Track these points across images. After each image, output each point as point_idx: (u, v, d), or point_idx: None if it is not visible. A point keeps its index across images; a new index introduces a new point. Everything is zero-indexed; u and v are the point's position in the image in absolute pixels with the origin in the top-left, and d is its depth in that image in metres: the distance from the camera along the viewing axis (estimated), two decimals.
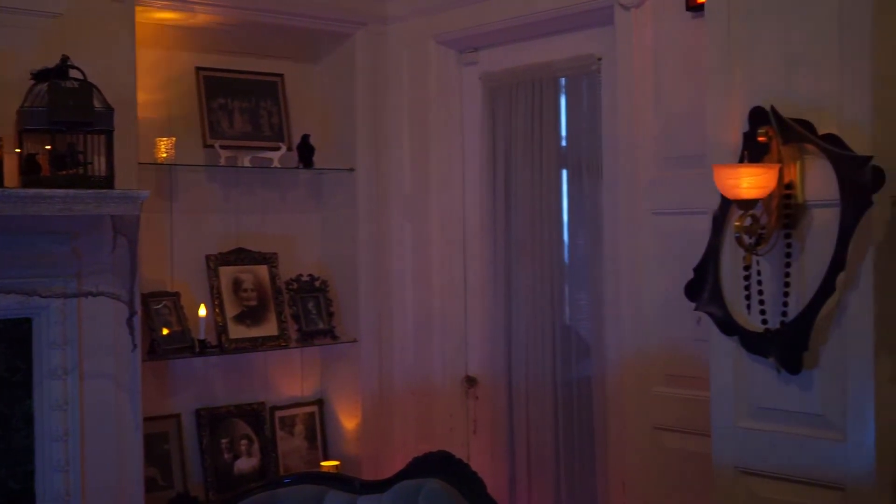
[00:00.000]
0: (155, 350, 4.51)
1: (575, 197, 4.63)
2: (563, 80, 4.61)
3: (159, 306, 4.59)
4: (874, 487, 2.94)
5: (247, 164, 4.84)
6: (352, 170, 5.06)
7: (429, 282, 4.98)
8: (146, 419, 4.29)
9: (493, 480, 4.71)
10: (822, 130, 2.99)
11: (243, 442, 4.87)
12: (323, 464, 4.90)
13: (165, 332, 4.55)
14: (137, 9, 4.25)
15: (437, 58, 4.91)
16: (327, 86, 5.21)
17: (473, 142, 4.92)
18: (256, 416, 4.95)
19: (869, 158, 2.87)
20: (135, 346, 4.08)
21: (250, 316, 4.88)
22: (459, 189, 4.96)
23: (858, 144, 2.91)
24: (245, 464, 4.86)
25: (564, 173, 4.67)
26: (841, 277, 2.94)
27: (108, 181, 3.88)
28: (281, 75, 5.10)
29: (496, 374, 4.84)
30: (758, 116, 3.11)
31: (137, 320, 4.07)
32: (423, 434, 4.91)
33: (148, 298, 4.52)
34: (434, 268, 4.96)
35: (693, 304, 3.35)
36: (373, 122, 5.08)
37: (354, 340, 5.08)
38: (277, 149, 4.91)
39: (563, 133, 4.67)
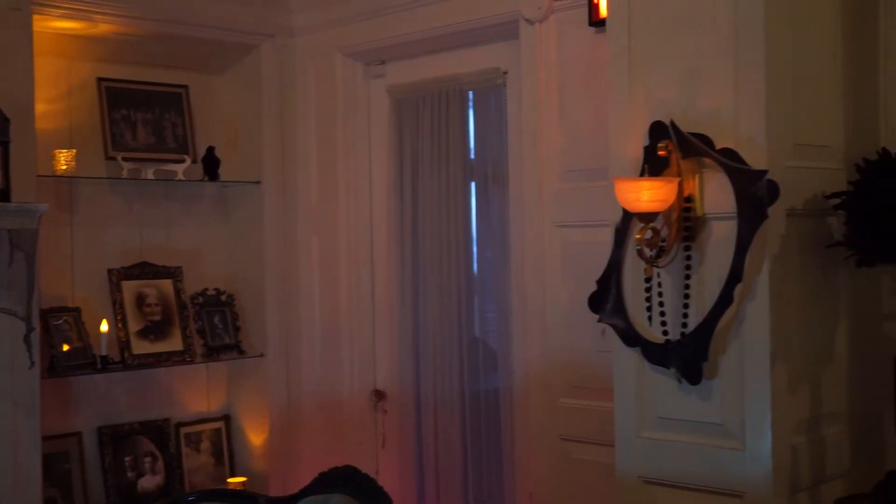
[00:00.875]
0: (55, 367, 4.40)
1: (483, 209, 4.65)
2: (470, 94, 4.63)
3: (59, 322, 4.48)
4: (771, 493, 3.00)
5: (150, 176, 4.76)
6: (258, 182, 5.02)
7: (336, 295, 4.95)
8: (46, 438, 4.16)
9: (402, 494, 4.73)
10: (719, 145, 3.05)
11: (147, 459, 4.78)
12: (230, 480, 4.82)
13: (66, 348, 4.44)
14: (35, 17, 4.16)
15: (344, 70, 4.89)
16: (233, 97, 5.16)
17: (381, 154, 4.91)
18: (161, 432, 4.86)
19: (764, 172, 2.93)
20: (32, 363, 3.96)
21: (154, 331, 4.80)
22: (367, 202, 4.94)
23: (754, 158, 2.98)
24: (149, 482, 4.76)
25: (473, 186, 4.69)
26: (738, 289, 2.99)
27: (3, 194, 3.78)
28: (185, 87, 5.04)
29: (404, 388, 4.83)
30: (658, 130, 3.16)
31: (36, 336, 3.96)
32: (331, 449, 4.87)
33: (47, 314, 4.41)
34: (342, 281, 4.94)
35: (597, 316, 3.39)
36: (279, 134, 5.04)
37: (261, 355, 5.03)
38: (182, 161, 4.84)
39: (471, 146, 4.68)
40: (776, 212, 2.99)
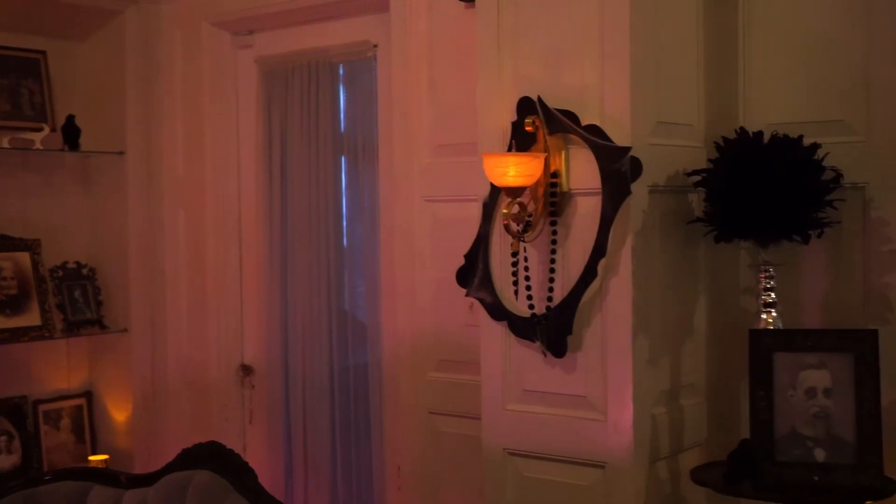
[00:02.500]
0: None
1: (353, 184, 4.62)
2: (341, 66, 4.58)
3: None
4: (632, 463, 3.07)
5: (6, 145, 4.58)
6: (122, 153, 4.88)
7: (203, 269, 4.86)
8: None
9: (270, 469, 4.69)
10: (585, 121, 3.09)
11: (2, 438, 4.63)
12: (91, 458, 4.70)
13: None
14: None
15: (211, 40, 4.79)
16: (96, 65, 5.00)
17: (249, 127, 4.83)
18: (18, 410, 4.71)
19: (627, 149, 2.99)
20: None
21: (10, 305, 4.64)
22: (235, 175, 4.85)
23: (618, 135, 3.03)
24: (5, 461, 4.61)
25: (343, 160, 4.65)
26: (602, 263, 3.05)
27: None
28: (43, 52, 4.85)
29: (272, 363, 4.77)
30: (525, 106, 3.19)
31: None
32: (197, 425, 4.79)
33: None
34: (208, 255, 4.85)
35: (465, 291, 3.41)
36: (144, 104, 4.91)
37: (125, 330, 4.91)
38: (40, 129, 4.67)
39: (342, 120, 4.64)
40: (639, 188, 3.05)
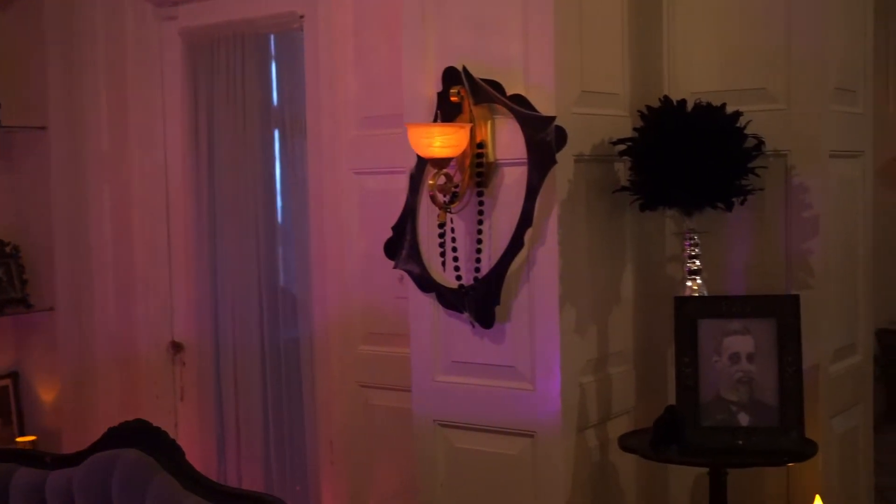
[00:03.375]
0: None
1: (288, 157, 4.57)
2: (272, 38, 4.51)
3: None
4: (561, 432, 3.09)
5: None
6: (44, 128, 4.77)
7: (130, 245, 4.78)
8: None
9: (202, 446, 4.65)
10: (510, 91, 3.09)
11: None
12: (18, 440, 4.62)
13: None
14: None
15: (134, 11, 4.68)
16: (13, 36, 4.86)
17: (175, 100, 4.74)
18: None
19: (552, 119, 2.98)
20: None
21: None
22: (161, 149, 4.76)
23: (543, 105, 3.03)
24: None
25: (276, 133, 4.60)
26: (529, 233, 3.05)
27: None
28: None
29: (203, 339, 4.72)
30: (451, 76, 3.17)
31: None
32: (128, 404, 4.73)
33: None
34: (135, 231, 4.77)
35: (393, 263, 3.39)
36: (66, 77, 4.79)
37: (51, 308, 4.82)
38: None
39: (271, 92, 4.58)
40: (564, 157, 3.05)
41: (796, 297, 3.03)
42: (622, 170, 3.29)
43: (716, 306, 3.05)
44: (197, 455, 4.60)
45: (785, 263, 3.24)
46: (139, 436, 3.15)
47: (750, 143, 3.10)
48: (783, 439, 2.96)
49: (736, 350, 3.02)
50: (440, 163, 3.05)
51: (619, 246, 3.36)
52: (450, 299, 3.21)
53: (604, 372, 3.29)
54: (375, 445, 3.98)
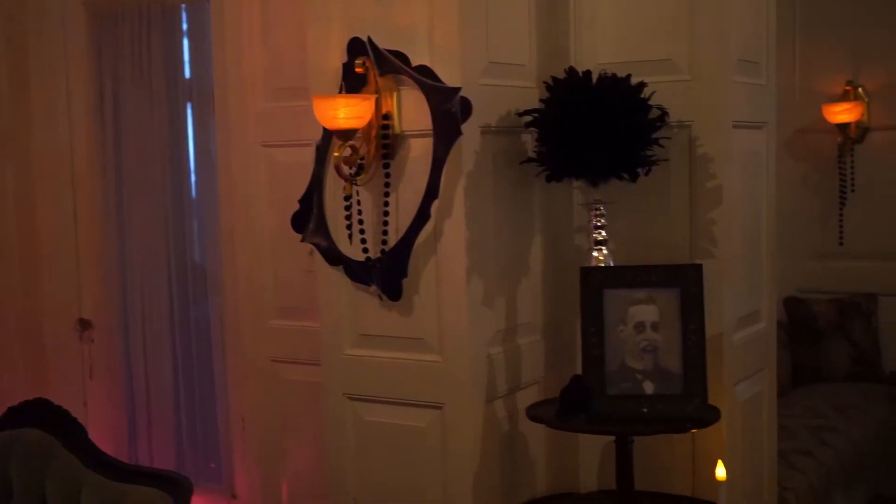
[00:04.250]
0: None
1: (201, 130, 4.50)
2: (182, 9, 4.42)
3: None
4: (469, 404, 3.10)
5: None
6: None
7: (33, 220, 4.67)
8: None
9: (112, 424, 4.58)
10: (415, 62, 3.06)
11: None
12: None
13: None
14: None
15: None
16: None
17: (79, 72, 4.62)
18: None
19: (457, 90, 2.97)
20: None
21: None
22: (66, 123, 4.64)
23: (448, 76, 3.01)
24: None
25: (189, 107, 4.52)
26: (436, 205, 3.04)
27: None
28: None
29: (112, 315, 4.64)
30: (356, 47, 3.14)
31: None
32: (33, 382, 4.62)
33: None
34: (39, 205, 4.66)
35: (300, 236, 3.36)
36: None
37: None
38: None
39: (183, 65, 4.50)
40: (470, 129, 3.04)
41: (699, 267, 3.07)
42: (529, 141, 3.29)
43: (621, 276, 3.08)
44: (107, 434, 4.54)
45: (689, 233, 3.28)
46: (40, 415, 3.10)
47: (654, 113, 3.12)
48: (687, 406, 3.00)
49: (641, 319, 3.05)
50: (345, 134, 3.02)
51: (527, 217, 3.37)
52: (357, 272, 3.19)
53: (512, 343, 3.30)
54: (287, 420, 3.95)
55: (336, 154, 3.05)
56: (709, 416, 3.01)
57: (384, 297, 3.16)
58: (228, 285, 4.19)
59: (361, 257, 3.15)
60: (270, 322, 3.97)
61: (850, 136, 5.47)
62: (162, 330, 4.51)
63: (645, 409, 3.01)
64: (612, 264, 3.16)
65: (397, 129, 3.11)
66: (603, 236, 3.16)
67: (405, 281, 3.12)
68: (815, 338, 5.51)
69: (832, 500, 4.77)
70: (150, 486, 2.85)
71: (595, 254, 3.16)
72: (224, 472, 4.39)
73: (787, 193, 5.44)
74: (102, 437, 4.33)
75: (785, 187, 5.35)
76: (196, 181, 4.61)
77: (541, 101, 3.21)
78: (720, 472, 3.01)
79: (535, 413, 3.15)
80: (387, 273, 3.12)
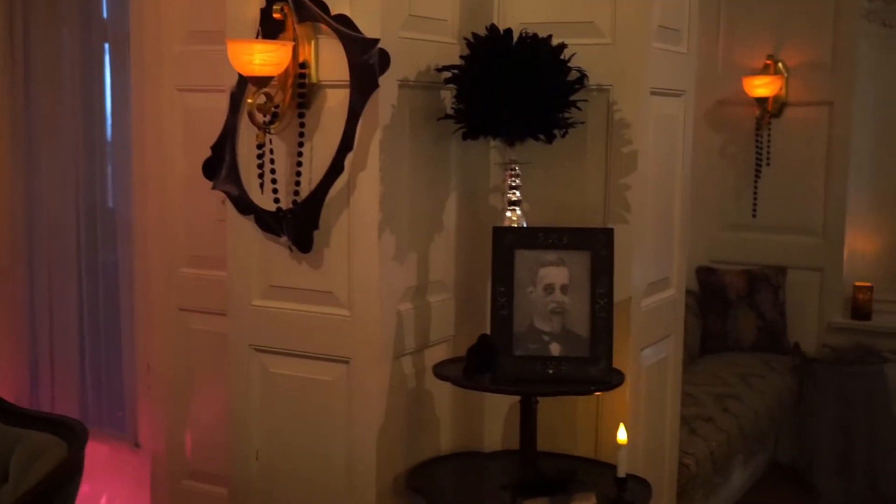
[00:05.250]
0: None
1: (116, 72, 4.39)
2: None
3: None
4: (376, 359, 3.08)
5: None
6: None
7: None
8: None
9: (14, 374, 4.50)
10: (335, 11, 3.01)
11: None
12: None
13: None
14: None
15: None
16: None
17: None
18: None
19: (376, 41, 2.92)
20: None
21: None
22: None
23: (368, 27, 2.96)
24: None
25: (107, 47, 4.40)
26: (350, 158, 3.00)
27: None
28: None
29: (15, 263, 4.53)
30: None
31: None
32: None
33: None
34: None
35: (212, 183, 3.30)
36: None
37: None
38: None
39: (99, 3, 4.38)
40: (388, 82, 3.00)
41: (610, 231, 3.08)
42: (448, 98, 3.26)
43: (533, 237, 3.07)
44: (8, 383, 4.44)
45: (603, 197, 3.29)
46: None
47: (573, 76, 3.11)
48: (591, 369, 3.02)
49: (550, 281, 3.05)
50: (260, 81, 2.96)
51: (444, 174, 3.34)
52: (268, 222, 3.14)
53: (423, 300, 3.28)
54: (193, 370, 3.90)
55: (250, 101, 2.99)
56: (613, 380, 3.03)
57: (294, 248, 3.12)
58: (139, 231, 4.12)
59: (272, 207, 3.10)
60: (180, 270, 3.91)
61: (767, 110, 5.54)
62: (68, 275, 4.41)
63: (550, 371, 3.03)
64: (525, 225, 3.15)
65: (314, 79, 3.06)
66: (517, 197, 3.15)
67: (316, 233, 3.08)
68: (724, 307, 5.61)
69: (731, 465, 4.88)
70: (45, 432, 2.79)
71: (508, 214, 3.15)
72: (128, 420, 4.33)
73: (704, 164, 5.52)
74: (2, 382, 4.24)
75: (703, 158, 5.44)
76: (112, 124, 4.51)
77: (461, 57, 3.18)
78: (621, 435, 3.05)
79: (441, 371, 3.15)
80: (298, 224, 3.08)
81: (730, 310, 5.60)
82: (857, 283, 5.59)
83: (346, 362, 3.12)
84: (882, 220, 5.67)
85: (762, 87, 5.46)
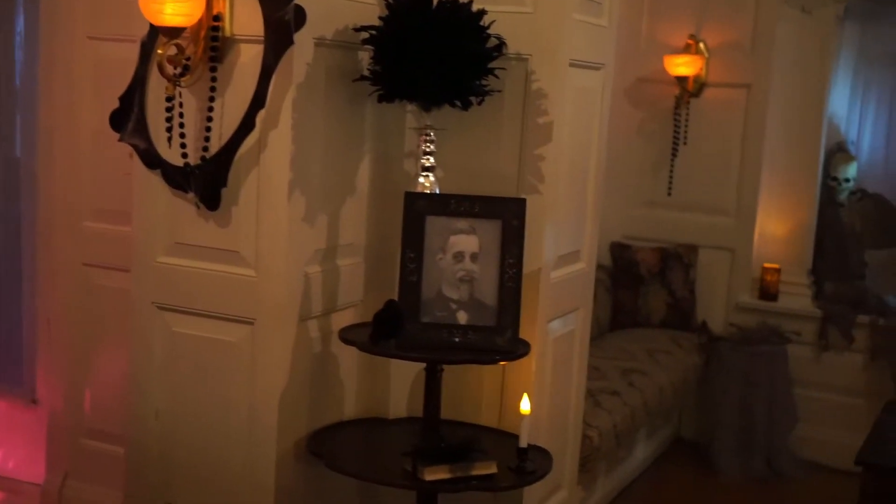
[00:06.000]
0: None
1: (25, 16, 4.24)
2: None
3: None
4: (281, 321, 3.04)
5: None
6: None
7: None
8: None
9: None
10: None
11: None
12: None
13: None
14: None
15: None
16: None
17: None
18: None
19: None
20: None
21: None
22: None
23: None
24: None
25: None
26: (261, 115, 2.94)
27: None
28: None
29: None
30: None
31: None
32: None
33: None
34: None
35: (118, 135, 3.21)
36: None
37: None
38: None
39: None
40: (304, 39, 2.94)
41: (522, 201, 3.07)
42: (366, 59, 3.21)
43: (444, 204, 3.05)
44: None
45: (518, 167, 3.28)
46: None
47: (491, 43, 3.09)
48: (498, 339, 3.02)
49: (460, 249, 3.04)
50: (171, 32, 2.87)
51: (358, 137, 3.30)
52: (175, 178, 3.07)
53: (332, 263, 3.24)
54: (96, 326, 3.83)
55: (160, 52, 2.91)
56: (518, 350, 3.04)
57: (201, 205, 3.05)
58: (44, 183, 4.00)
59: (180, 162, 3.03)
60: (85, 224, 3.82)
61: (687, 89, 5.58)
62: None
63: (457, 339, 3.02)
64: (437, 192, 3.13)
65: (227, 32, 2.99)
66: (431, 162, 3.12)
67: (224, 191, 3.02)
68: (636, 283, 5.66)
69: (635, 439, 4.94)
70: None
71: (421, 180, 3.12)
72: (26, 375, 4.22)
73: (622, 140, 5.55)
74: None
75: (621, 134, 5.45)
76: (20, 70, 4.36)
77: (380, 18, 3.13)
78: (525, 405, 3.06)
79: (347, 335, 3.12)
80: (206, 181, 3.01)
81: (641, 286, 5.65)
82: (766, 265, 5.68)
83: (251, 323, 3.07)
84: (792, 203, 5.76)
85: (683, 66, 5.50)
